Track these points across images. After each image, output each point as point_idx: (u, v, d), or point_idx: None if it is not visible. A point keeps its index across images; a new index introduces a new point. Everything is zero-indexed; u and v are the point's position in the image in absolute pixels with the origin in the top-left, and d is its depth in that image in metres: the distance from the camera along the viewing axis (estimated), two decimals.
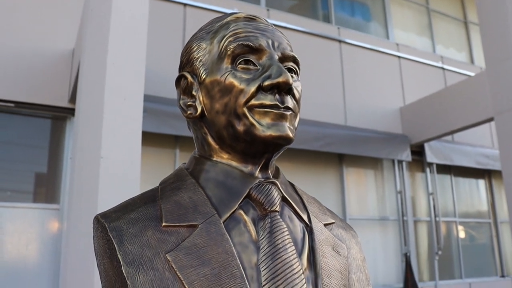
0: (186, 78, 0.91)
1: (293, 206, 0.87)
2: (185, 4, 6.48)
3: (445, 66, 9.17)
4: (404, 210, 7.88)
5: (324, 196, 7.13)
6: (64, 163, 5.56)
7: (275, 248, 0.77)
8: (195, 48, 0.91)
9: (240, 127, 0.82)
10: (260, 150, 0.84)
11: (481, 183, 9.53)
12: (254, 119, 0.82)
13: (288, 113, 0.84)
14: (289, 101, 0.85)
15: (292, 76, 0.88)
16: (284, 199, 0.86)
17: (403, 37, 9.20)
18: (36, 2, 5.65)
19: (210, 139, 0.89)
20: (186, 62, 0.92)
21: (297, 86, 0.89)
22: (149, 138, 5.52)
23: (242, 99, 0.82)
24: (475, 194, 9.43)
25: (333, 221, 0.96)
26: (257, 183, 0.84)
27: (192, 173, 0.88)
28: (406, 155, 7.82)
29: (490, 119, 6.62)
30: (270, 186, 0.84)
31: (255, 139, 0.82)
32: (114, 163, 2.40)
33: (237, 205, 0.81)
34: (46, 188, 5.75)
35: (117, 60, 2.56)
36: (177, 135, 5.88)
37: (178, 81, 0.92)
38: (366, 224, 7.55)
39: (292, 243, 0.80)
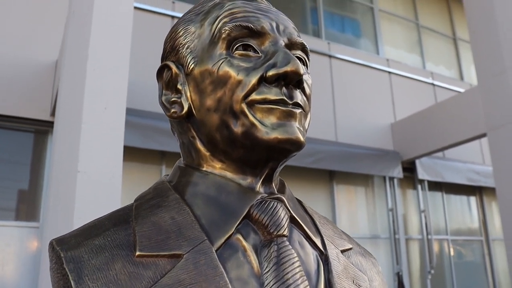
0: (170, 68, 0.73)
1: (303, 229, 0.69)
2: (172, 17, 6.33)
3: (435, 82, 9.12)
4: (395, 228, 7.72)
5: None
6: (45, 179, 5.34)
7: (284, 284, 0.59)
8: (181, 33, 0.74)
9: (237, 128, 0.65)
10: (263, 158, 0.67)
11: (472, 200, 9.43)
12: (256, 118, 0.65)
13: (298, 111, 0.67)
14: (299, 96, 0.68)
15: None
16: (292, 219, 0.68)
17: (393, 52, 9.14)
18: (18, 12, 5.47)
19: (199, 144, 0.71)
20: (171, 50, 0.75)
21: (307, 79, 0.72)
22: (134, 153, 5.32)
23: (240, 93, 0.65)
24: (466, 211, 9.31)
25: (351, 246, 0.78)
26: (259, 199, 0.66)
27: (176, 187, 0.70)
28: (398, 172, 7.69)
29: (482, 135, 6.52)
30: (276, 203, 0.66)
31: (256, 143, 0.65)
32: (92, 178, 2.20)
33: (234, 228, 0.63)
34: (26, 205, 5.51)
35: (98, 65, 2.38)
36: (164, 150, 5.68)
37: (160, 72, 0.75)
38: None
39: (304, 277, 0.62)
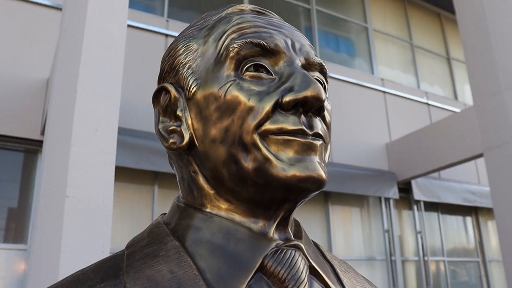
0: (168, 92, 0.63)
1: (324, 280, 0.58)
2: (166, 35, 6.27)
3: (430, 102, 9.09)
4: (392, 250, 7.60)
5: (309, 235, 6.80)
6: (34, 201, 5.20)
7: None
8: (181, 50, 0.64)
9: (248, 164, 0.55)
10: (278, 198, 0.56)
11: (468, 220, 9.34)
12: (270, 152, 0.55)
13: (319, 142, 0.57)
14: (319, 125, 0.58)
15: None
16: (311, 269, 0.58)
17: (387, 72, 9.13)
18: (10, 29, 5.38)
19: (202, 181, 0.61)
20: (169, 70, 0.65)
21: (326, 105, 0.62)
22: (126, 174, 5.20)
23: (251, 122, 0.55)
24: (462, 232, 9.22)
25: None
26: (274, 248, 0.55)
27: (175, 232, 0.59)
28: (394, 193, 7.60)
29: (479, 155, 6.46)
30: (293, 252, 0.56)
31: (271, 181, 0.54)
32: (81, 204, 2.08)
33: (246, 284, 0.52)
34: (15, 227, 5.35)
35: (89, 85, 2.27)
36: (157, 171, 5.57)
37: (156, 96, 0.64)
38: (353, 265, 7.21)
39: None
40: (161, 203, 5.66)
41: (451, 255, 8.69)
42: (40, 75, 5.33)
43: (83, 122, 2.23)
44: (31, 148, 5.43)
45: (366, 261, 7.48)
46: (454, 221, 9.12)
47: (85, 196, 2.11)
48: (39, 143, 5.27)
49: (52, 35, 5.31)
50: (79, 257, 2.06)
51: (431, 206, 8.58)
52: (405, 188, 8.03)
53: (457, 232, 9.12)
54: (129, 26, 5.45)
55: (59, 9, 5.46)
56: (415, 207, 8.24)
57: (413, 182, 7.95)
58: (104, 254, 2.14)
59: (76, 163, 2.13)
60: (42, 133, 5.16)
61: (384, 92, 8.45)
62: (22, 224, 5.23)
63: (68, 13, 2.78)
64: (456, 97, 10.13)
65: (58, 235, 2.05)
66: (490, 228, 9.47)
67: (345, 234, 7.48)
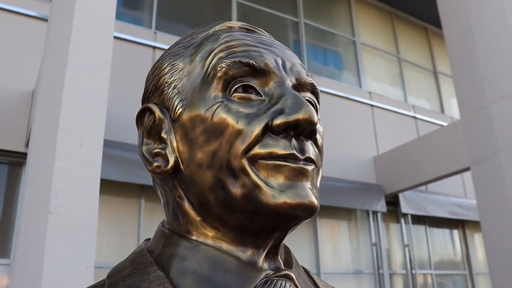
0: (152, 112, 0.60)
1: None
2: (154, 47, 6.24)
3: (417, 115, 9.14)
4: (379, 263, 7.58)
5: (297, 249, 6.78)
6: (18, 214, 5.10)
7: None
8: (167, 69, 0.61)
9: (236, 190, 0.52)
10: (268, 226, 0.54)
11: (455, 233, 9.37)
12: (259, 178, 0.52)
13: (310, 167, 0.54)
14: (311, 149, 0.55)
15: None
16: None
17: (375, 86, 9.17)
18: None
19: (187, 206, 0.57)
20: (154, 90, 0.62)
21: (318, 127, 0.60)
22: (112, 187, 5.14)
23: (240, 146, 0.52)
24: (449, 245, 9.24)
25: None
26: (264, 279, 0.52)
27: (159, 260, 0.56)
28: (381, 206, 7.59)
29: (466, 169, 6.49)
30: (284, 283, 0.53)
31: (260, 208, 0.52)
32: (65, 220, 2.02)
33: None
34: None
35: (74, 98, 2.22)
36: (143, 184, 5.50)
37: (140, 117, 0.61)
38: (341, 279, 7.20)
39: None
40: (148, 217, 5.60)
41: (439, 268, 8.69)
42: (25, 86, 5.26)
43: (67, 136, 2.19)
44: (15, 161, 5.35)
45: (354, 275, 7.44)
46: (441, 234, 9.13)
47: (69, 212, 2.06)
48: (24, 155, 5.20)
49: (38, 46, 5.26)
50: (62, 275, 2.01)
51: (419, 219, 8.59)
52: (393, 202, 8.03)
53: (444, 245, 9.14)
54: (116, 38, 5.42)
55: (46, 20, 5.42)
56: (402, 220, 8.24)
57: (400, 196, 7.96)
58: (89, 271, 2.09)
59: (60, 178, 2.08)
60: (27, 145, 5.09)
61: (371, 105, 8.48)
62: (5, 238, 5.13)
63: (53, 24, 2.74)
64: (442, 111, 10.20)
65: (41, 252, 1.99)
66: (477, 241, 9.50)
67: (333, 248, 7.45)
